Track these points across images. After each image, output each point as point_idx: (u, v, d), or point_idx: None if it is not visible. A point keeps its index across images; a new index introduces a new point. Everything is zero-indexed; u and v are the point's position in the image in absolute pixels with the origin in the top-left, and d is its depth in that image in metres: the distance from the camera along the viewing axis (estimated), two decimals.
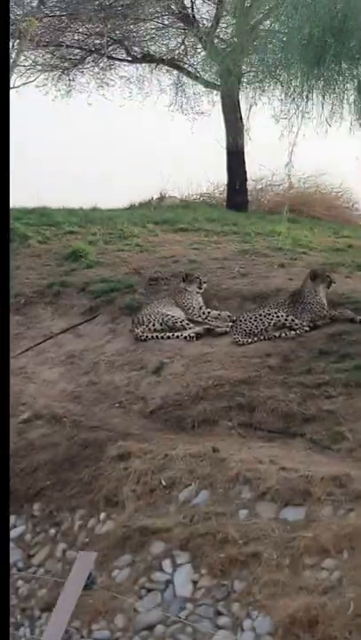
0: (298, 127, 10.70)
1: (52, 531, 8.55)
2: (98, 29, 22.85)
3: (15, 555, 8.49)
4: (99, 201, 20.61)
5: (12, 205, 18.79)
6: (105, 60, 23.43)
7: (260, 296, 12.88)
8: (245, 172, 21.41)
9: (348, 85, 10.55)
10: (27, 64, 23.94)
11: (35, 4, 22.49)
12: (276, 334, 11.63)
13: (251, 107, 13.68)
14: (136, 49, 23.23)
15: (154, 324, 12.16)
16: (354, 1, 9.48)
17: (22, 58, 23.70)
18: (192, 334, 11.98)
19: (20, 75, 24.18)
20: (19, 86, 24.46)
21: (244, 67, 15.29)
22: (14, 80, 24.59)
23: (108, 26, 22.62)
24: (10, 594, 7.72)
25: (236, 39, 17.23)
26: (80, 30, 23.09)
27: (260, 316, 11.96)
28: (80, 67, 23.62)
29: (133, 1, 21.70)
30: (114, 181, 26.65)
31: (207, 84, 21.36)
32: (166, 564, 7.54)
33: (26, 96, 25.20)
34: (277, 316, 11.82)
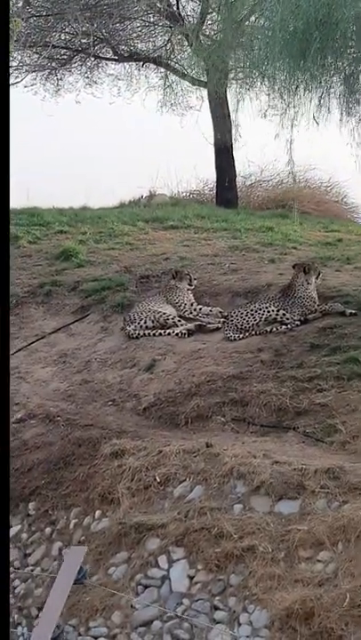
0: (291, 123, 10.70)
1: (48, 529, 8.56)
2: (84, 29, 22.86)
3: (11, 554, 8.50)
4: (88, 200, 20.69)
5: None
6: (92, 59, 23.48)
7: (250, 291, 12.91)
8: (235, 168, 21.47)
9: (334, 78, 10.58)
10: (14, 64, 23.98)
11: (20, 5, 22.47)
12: (268, 329, 11.66)
13: (238, 102, 13.69)
14: (123, 47, 23.30)
15: (145, 322, 12.17)
16: None
17: (14, 62, 23.78)
18: (184, 331, 12.01)
19: (12, 73, 24.28)
20: (11, 86, 24.56)
21: (230, 63, 15.32)
22: None
23: (95, 25, 22.64)
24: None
25: (221, 35, 17.27)
26: (66, 30, 23.12)
27: (252, 311, 11.98)
28: (68, 66, 23.71)
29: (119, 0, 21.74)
30: (103, 180, 26.68)
31: (194, 82, 21.39)
32: (162, 560, 7.55)
33: (14, 96, 25.24)
34: (268, 311, 11.84)
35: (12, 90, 24.78)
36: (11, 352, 12.45)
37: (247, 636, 6.77)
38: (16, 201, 19.26)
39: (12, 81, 24.28)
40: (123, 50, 23.26)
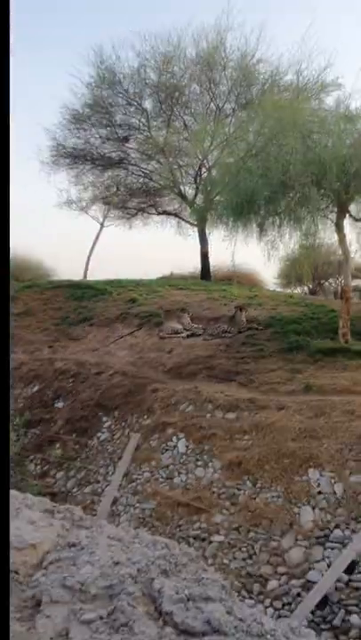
0: (234, 243, 10.73)
1: (123, 423, 8.56)
2: (143, 200, 23.06)
3: (106, 435, 8.50)
4: (143, 276, 20.71)
5: (103, 278, 19.08)
6: (146, 214, 23.63)
7: (215, 318, 12.93)
8: (209, 263, 21.45)
9: (253, 225, 10.60)
10: (111, 216, 24.16)
11: (114, 190, 22.65)
12: (223, 335, 11.67)
13: (210, 233, 13.81)
14: (160, 208, 23.39)
15: (168, 331, 12.20)
16: (260, 184, 9.50)
17: (111, 215, 23.92)
18: (185, 336, 12.02)
19: (108, 220, 24.39)
20: (108, 226, 24.65)
21: (207, 217, 15.45)
22: (106, 222, 24.88)
23: (147, 197, 22.83)
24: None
25: (203, 204, 17.41)
26: (135, 201, 23.26)
27: (216, 327, 12.01)
28: (135, 217, 23.76)
29: (160, 188, 21.89)
30: (153, 268, 26.92)
31: (191, 224, 21.51)
32: (174, 438, 7.56)
33: (111, 230, 25.41)
34: (223, 327, 11.87)
35: (109, 228, 24.93)
36: (106, 344, 12.49)
37: (212, 472, 6.78)
38: (110, 276, 19.42)
39: (111, 223, 24.54)
40: (160, 209, 23.37)
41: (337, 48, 38.69)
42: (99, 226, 24.84)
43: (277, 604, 5.32)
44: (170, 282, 19.20)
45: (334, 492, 5.89)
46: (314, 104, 15.32)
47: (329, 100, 16.62)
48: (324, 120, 10.22)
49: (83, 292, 16.70)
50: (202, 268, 21.64)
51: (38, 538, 1.87)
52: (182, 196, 21.43)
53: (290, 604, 5.27)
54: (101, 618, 1.51)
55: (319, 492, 5.94)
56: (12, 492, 2.21)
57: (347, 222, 10.70)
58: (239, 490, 6.36)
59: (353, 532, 5.50)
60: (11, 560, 1.73)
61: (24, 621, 1.54)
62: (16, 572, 1.72)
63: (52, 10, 37.19)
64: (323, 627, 4.96)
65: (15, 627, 1.51)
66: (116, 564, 1.75)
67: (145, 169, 21.99)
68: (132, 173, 22.32)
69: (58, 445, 8.70)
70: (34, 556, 1.79)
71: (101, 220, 24.58)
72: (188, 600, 1.58)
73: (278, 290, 23.85)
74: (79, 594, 1.62)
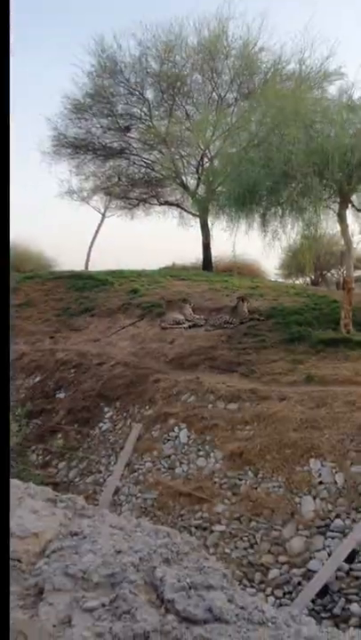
0: (235, 234, 10.69)
1: (125, 414, 8.55)
2: (145, 191, 22.96)
3: (107, 425, 8.52)
4: (145, 267, 20.67)
5: (105, 269, 19.02)
6: (148, 204, 23.55)
7: (217, 309, 12.91)
8: (211, 253, 21.40)
9: (255, 215, 10.56)
10: (113, 207, 24.07)
11: (115, 180, 22.58)
12: (225, 326, 11.65)
13: (212, 224, 13.75)
14: (162, 199, 23.30)
15: (170, 322, 12.17)
16: (262, 175, 9.46)
17: (112, 205, 23.86)
18: (187, 326, 12.00)
19: (110, 210, 24.32)
20: (110, 216, 24.59)
21: (209, 207, 15.39)
22: (107, 213, 24.77)
23: (149, 188, 22.74)
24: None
25: (205, 195, 17.35)
26: (137, 191, 23.18)
27: (218, 317, 11.99)
28: (137, 207, 23.68)
29: (161, 178, 21.80)
30: (151, 258, 26.81)
31: (193, 215, 21.43)
32: (176, 428, 7.58)
33: (112, 220, 25.32)
34: (225, 318, 11.85)
35: (111, 219, 24.86)
36: (109, 334, 12.49)
37: (214, 462, 6.80)
38: (112, 267, 19.39)
39: (113, 213, 24.42)
40: (162, 200, 23.29)
41: (339, 37, 38.31)
42: (100, 216, 24.82)
43: (278, 592, 5.36)
44: (172, 272, 19.16)
45: (335, 482, 5.91)
46: (316, 93, 15.20)
47: (332, 90, 16.53)
48: (327, 109, 10.14)
49: (84, 282, 16.68)
50: (204, 258, 21.59)
51: (41, 527, 1.88)
52: (184, 187, 21.33)
53: (291, 592, 5.31)
54: (103, 605, 1.52)
55: (320, 482, 5.96)
56: (15, 482, 2.21)
57: (349, 213, 10.68)
58: (241, 480, 6.39)
59: (353, 521, 5.53)
60: (13, 548, 1.74)
61: (27, 609, 1.55)
62: (19, 561, 1.73)
63: (52, 10, 36.88)
64: (323, 615, 4.99)
65: (18, 614, 1.52)
66: (118, 552, 1.76)
67: (147, 159, 21.90)
68: (134, 163, 22.23)
69: (60, 436, 8.73)
70: (36, 544, 1.81)
71: (103, 210, 24.56)
72: (190, 588, 1.59)
73: (280, 281, 23.84)
74: (81, 582, 1.63)
